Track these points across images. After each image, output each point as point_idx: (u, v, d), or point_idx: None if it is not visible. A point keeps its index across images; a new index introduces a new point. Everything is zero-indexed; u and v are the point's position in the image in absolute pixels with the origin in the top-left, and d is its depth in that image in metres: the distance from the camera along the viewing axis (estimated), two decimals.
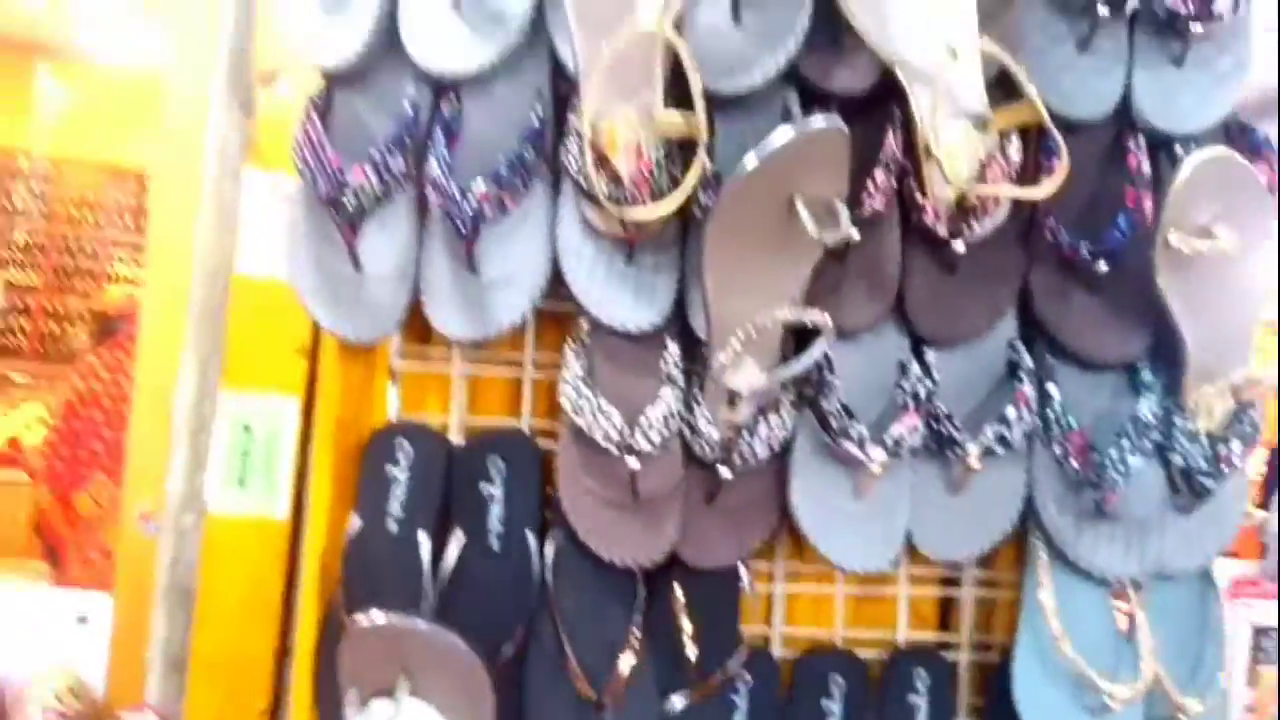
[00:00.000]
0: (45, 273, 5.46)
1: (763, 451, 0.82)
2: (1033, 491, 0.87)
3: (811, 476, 0.84)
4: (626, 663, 0.81)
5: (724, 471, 0.81)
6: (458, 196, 0.77)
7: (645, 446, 0.79)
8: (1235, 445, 0.83)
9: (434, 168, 0.77)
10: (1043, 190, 0.76)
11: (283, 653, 1.15)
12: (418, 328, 0.87)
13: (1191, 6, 0.80)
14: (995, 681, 0.90)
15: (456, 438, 0.88)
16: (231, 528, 1.12)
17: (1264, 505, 5.03)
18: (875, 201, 0.80)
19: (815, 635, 0.93)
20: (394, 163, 0.77)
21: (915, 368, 0.84)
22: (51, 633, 1.12)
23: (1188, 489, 0.84)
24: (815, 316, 0.76)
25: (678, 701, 0.84)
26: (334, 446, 0.89)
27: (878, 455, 0.81)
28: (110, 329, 2.55)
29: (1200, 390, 0.82)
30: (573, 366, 0.81)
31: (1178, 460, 0.84)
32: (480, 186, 0.77)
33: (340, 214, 0.77)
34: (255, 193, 1.04)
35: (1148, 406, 0.83)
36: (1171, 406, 0.84)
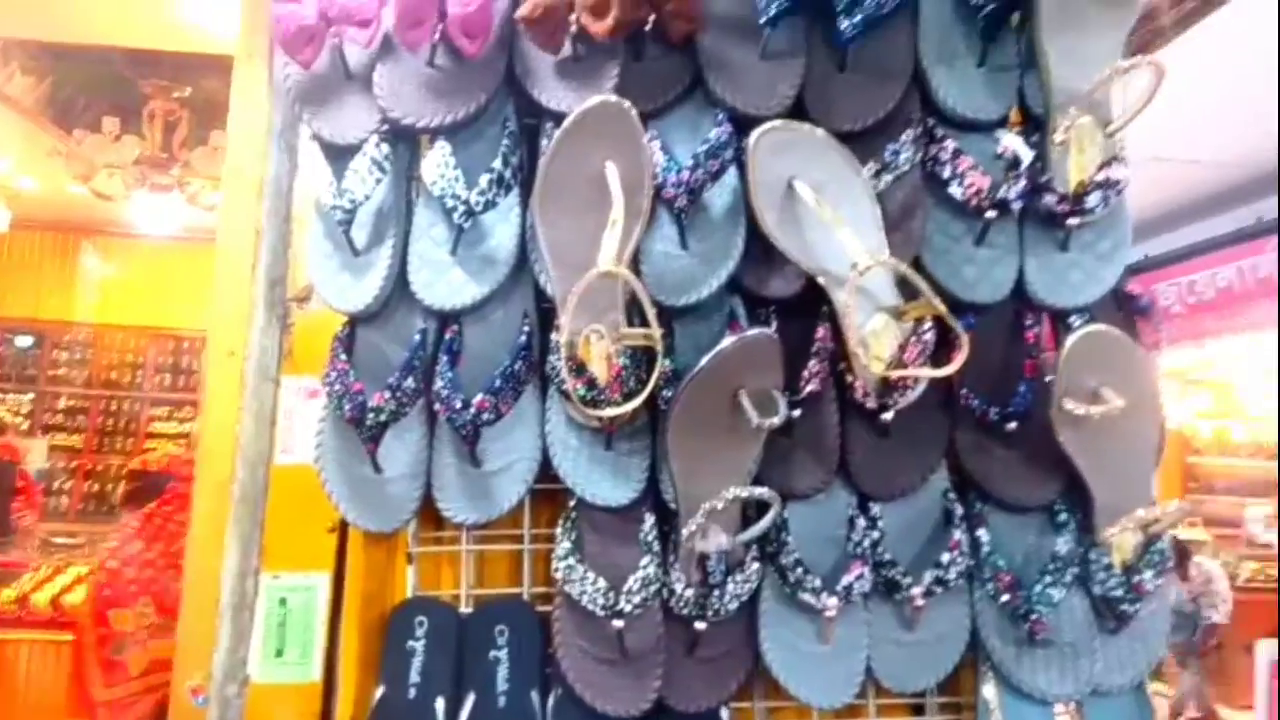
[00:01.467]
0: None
1: (733, 604, 0.94)
2: (976, 624, 0.98)
3: (778, 625, 0.96)
4: None
5: (700, 625, 0.93)
6: (459, 408, 0.91)
7: (629, 608, 0.91)
8: (1148, 574, 0.95)
9: (441, 386, 0.92)
10: (949, 369, 0.89)
11: None
12: (431, 515, 1.00)
13: (1068, 205, 0.95)
14: None
15: (466, 609, 1.00)
16: (271, 694, 1.24)
17: None
18: (813, 384, 0.94)
19: None
20: (406, 385, 0.92)
21: (862, 521, 0.97)
22: None
23: (1110, 615, 0.96)
24: (764, 493, 0.89)
25: None
26: (359, 621, 1.01)
27: (832, 602, 0.93)
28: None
29: (1110, 528, 0.94)
30: (563, 542, 0.95)
31: (1097, 589, 0.95)
32: (479, 398, 0.92)
33: (363, 431, 0.92)
34: (289, 394, 1.19)
35: (1065, 544, 0.95)
36: (1088, 543, 0.96)
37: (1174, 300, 5.40)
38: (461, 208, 0.94)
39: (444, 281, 0.95)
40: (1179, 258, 5.41)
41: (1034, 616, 0.93)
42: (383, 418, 0.93)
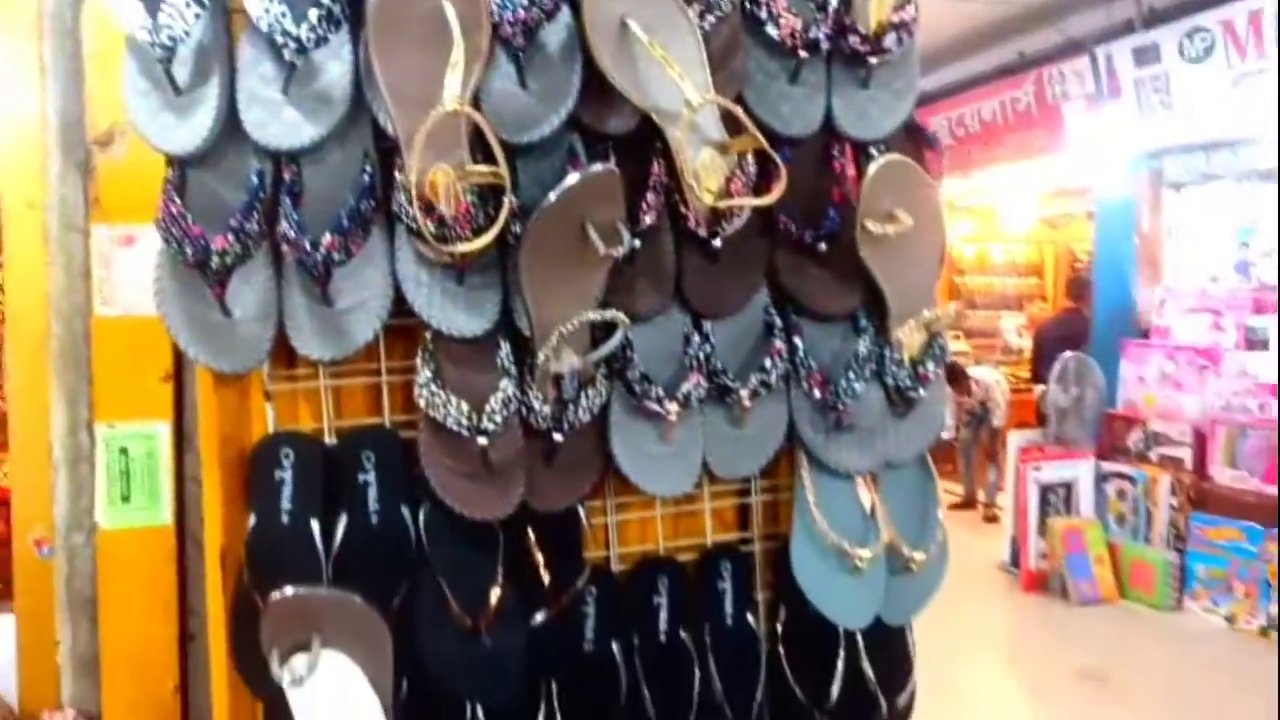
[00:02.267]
0: None
1: (585, 416, 1.04)
2: (793, 417, 1.14)
3: (625, 431, 1.08)
4: (495, 595, 1.03)
5: (557, 436, 1.03)
6: (309, 249, 0.93)
7: (491, 427, 0.99)
8: (930, 365, 1.13)
9: (287, 227, 0.93)
10: (770, 198, 1.00)
11: (184, 639, 1.30)
12: (284, 353, 1.02)
13: (869, 45, 1.05)
14: (782, 562, 1.18)
15: (330, 440, 1.05)
16: (123, 539, 1.25)
17: (1036, 379, 5.84)
18: (650, 216, 1.02)
19: (644, 550, 1.18)
20: (249, 227, 0.92)
21: (696, 338, 1.08)
22: None
23: (900, 401, 1.13)
24: (612, 315, 0.98)
25: (539, 618, 1.07)
26: (219, 459, 1.04)
27: (673, 408, 1.04)
28: None
29: (900, 329, 1.11)
30: (423, 371, 1.00)
31: (890, 381, 1.12)
32: (327, 237, 0.93)
33: (208, 276, 0.92)
34: (102, 243, 1.14)
35: (865, 345, 1.11)
36: (882, 343, 1.12)
37: (944, 132, 5.83)
38: (292, 44, 0.92)
39: (278, 121, 0.94)
40: (948, 93, 5.81)
41: (840, 407, 1.09)
42: (228, 261, 0.93)
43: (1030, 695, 3.70)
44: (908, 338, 1.12)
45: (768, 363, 1.08)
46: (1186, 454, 4.53)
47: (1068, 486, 4.85)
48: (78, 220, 1.13)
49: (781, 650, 1.19)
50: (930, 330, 1.13)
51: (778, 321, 1.11)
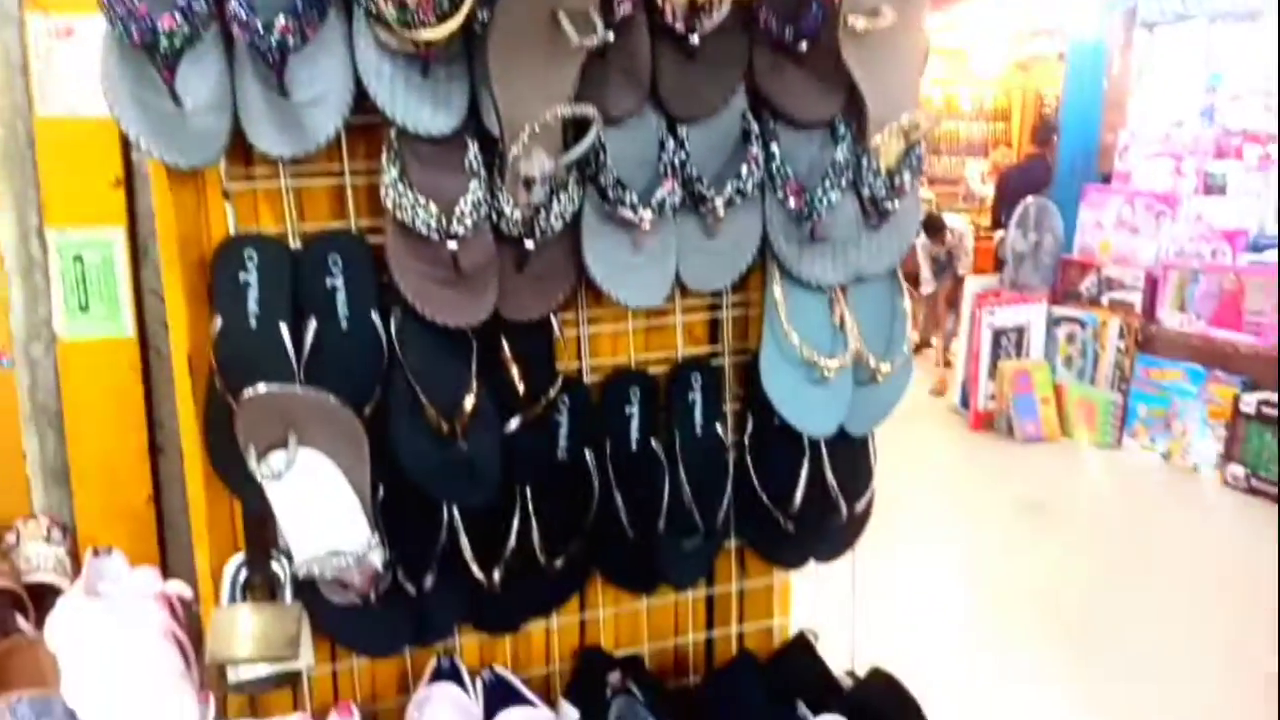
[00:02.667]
0: None
1: (557, 224, 1.02)
2: (767, 229, 1.12)
3: (598, 239, 1.06)
4: (469, 401, 1.03)
5: (528, 243, 1.01)
6: (261, 31, 0.87)
7: (460, 231, 0.96)
8: (906, 175, 1.11)
9: (236, 6, 0.86)
10: None
11: (154, 450, 1.30)
12: (243, 152, 0.98)
13: None
14: (751, 373, 1.20)
15: (295, 243, 1.02)
16: (84, 350, 1.23)
17: (997, 224, 5.87)
18: (625, 7, 0.96)
19: (616, 363, 1.19)
20: (197, 6, 0.86)
21: (671, 143, 1.05)
22: None
23: (875, 212, 1.13)
24: (585, 109, 0.94)
25: (514, 424, 1.08)
26: (180, 262, 1.00)
27: (647, 215, 1.02)
28: None
29: (879, 135, 1.08)
30: (389, 171, 0.96)
31: (865, 191, 1.11)
32: (281, 20, 0.87)
33: (156, 59, 0.86)
34: (39, 36, 1.06)
35: (842, 153, 1.09)
36: (860, 150, 1.10)
37: None
38: None
39: None
40: None
41: (815, 217, 1.08)
42: (177, 42, 0.87)
43: (972, 523, 3.90)
44: (885, 145, 1.09)
45: (743, 170, 1.06)
46: (1137, 299, 4.64)
47: (1020, 331, 4.97)
48: (10, 9, 1.05)
49: (748, 459, 1.22)
50: (908, 139, 1.11)
51: (755, 128, 1.08)
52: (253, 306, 0.99)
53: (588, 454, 1.15)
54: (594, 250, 1.05)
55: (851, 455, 1.25)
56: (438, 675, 1.15)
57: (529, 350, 1.09)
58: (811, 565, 1.29)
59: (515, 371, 1.07)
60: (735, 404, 1.24)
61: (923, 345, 6.19)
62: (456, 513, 1.08)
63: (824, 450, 1.21)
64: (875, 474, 1.27)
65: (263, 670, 1.05)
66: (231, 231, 1.01)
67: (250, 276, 0.99)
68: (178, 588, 1.08)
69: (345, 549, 0.96)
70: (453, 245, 0.97)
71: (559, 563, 1.13)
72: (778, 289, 1.14)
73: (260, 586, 1.07)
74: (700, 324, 1.23)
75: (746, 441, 1.22)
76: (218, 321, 0.99)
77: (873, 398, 1.21)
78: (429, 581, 1.08)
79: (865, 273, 1.16)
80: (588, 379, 1.17)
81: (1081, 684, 2.70)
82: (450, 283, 1.00)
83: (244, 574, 1.06)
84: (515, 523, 1.10)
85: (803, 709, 1.14)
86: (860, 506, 1.26)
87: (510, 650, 1.23)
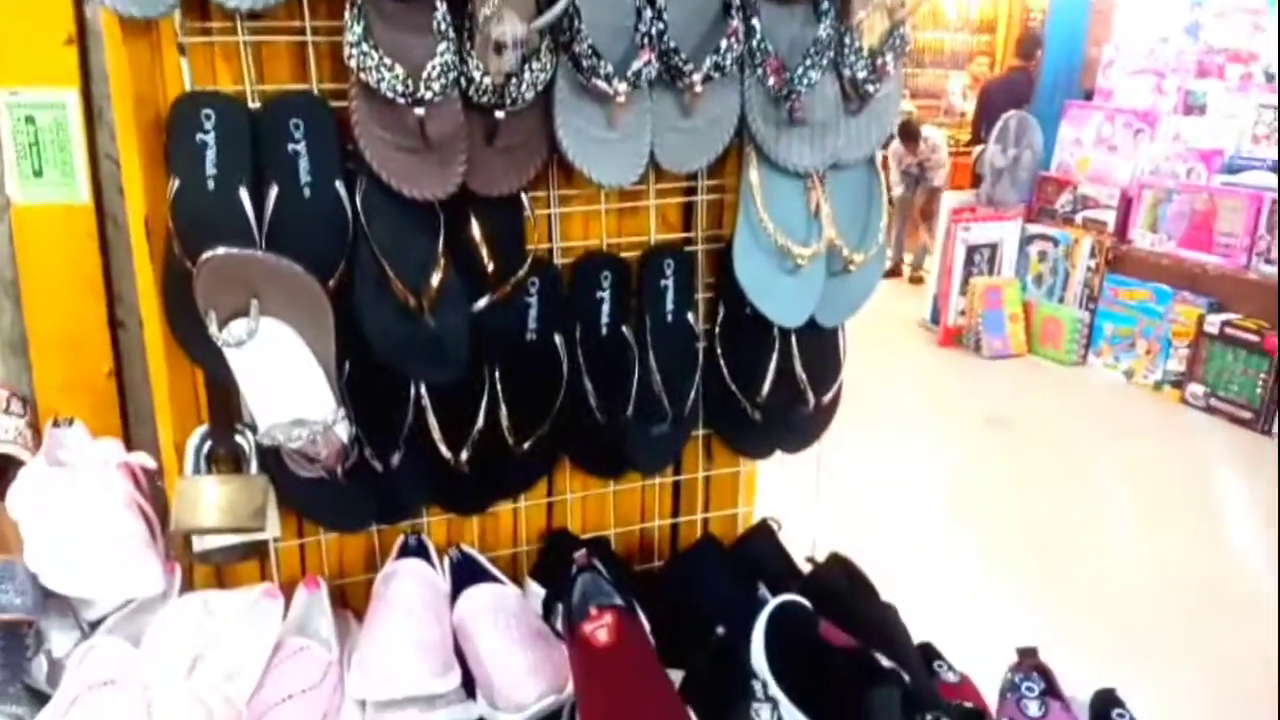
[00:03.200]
0: None
1: (529, 93, 0.98)
2: (745, 110, 1.09)
3: (571, 113, 1.02)
4: (437, 277, 1.01)
5: (499, 113, 0.98)
6: None
7: (428, 95, 0.93)
8: (889, 57, 1.08)
9: None
10: None
11: (114, 325, 1.27)
12: (200, 4, 0.93)
13: None
14: (724, 261, 1.18)
15: (254, 103, 0.98)
16: (39, 216, 1.18)
17: (976, 140, 5.83)
18: None
19: (587, 245, 1.17)
20: None
21: (649, 12, 1.01)
22: None
23: (855, 95, 1.10)
24: None
25: (482, 303, 1.06)
26: (135, 121, 0.96)
27: (622, 88, 0.99)
28: None
29: (863, 12, 1.05)
30: (353, 29, 0.92)
31: (847, 72, 1.08)
32: None
33: None
34: None
35: (825, 30, 1.05)
36: (843, 29, 1.07)
37: None
38: None
39: None
40: None
41: (794, 97, 1.05)
42: None
43: (938, 434, 3.97)
44: (869, 23, 1.06)
45: (723, 44, 1.02)
46: (1111, 217, 4.66)
47: (993, 247, 4.99)
48: None
49: (718, 348, 1.22)
50: (893, 18, 1.07)
51: (736, 0, 1.04)
52: (210, 168, 0.96)
53: (557, 338, 1.14)
54: (566, 124, 1.02)
55: (820, 346, 1.25)
56: (404, 552, 1.16)
57: (498, 228, 1.06)
58: (778, 456, 1.31)
59: (484, 250, 1.05)
60: (707, 292, 1.23)
61: (893, 271, 6.17)
62: (424, 391, 1.07)
63: (793, 341, 1.21)
64: (843, 366, 1.27)
65: (228, 541, 1.05)
66: (188, 88, 0.96)
67: (208, 137, 0.95)
68: (141, 459, 1.07)
69: (310, 419, 0.94)
70: (419, 111, 0.93)
71: (527, 445, 1.13)
72: (754, 173, 1.12)
73: (225, 459, 1.06)
74: (674, 209, 1.21)
75: (717, 330, 1.22)
76: (174, 183, 0.95)
77: (845, 288, 1.20)
78: (396, 459, 1.07)
79: (843, 159, 1.14)
80: (559, 261, 1.15)
81: (1035, 580, 2.80)
82: (417, 151, 0.97)
83: (208, 445, 1.05)
84: (483, 403, 1.09)
85: (763, 590, 1.17)
86: (827, 398, 1.26)
87: (478, 531, 1.24)
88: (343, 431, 0.98)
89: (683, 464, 1.31)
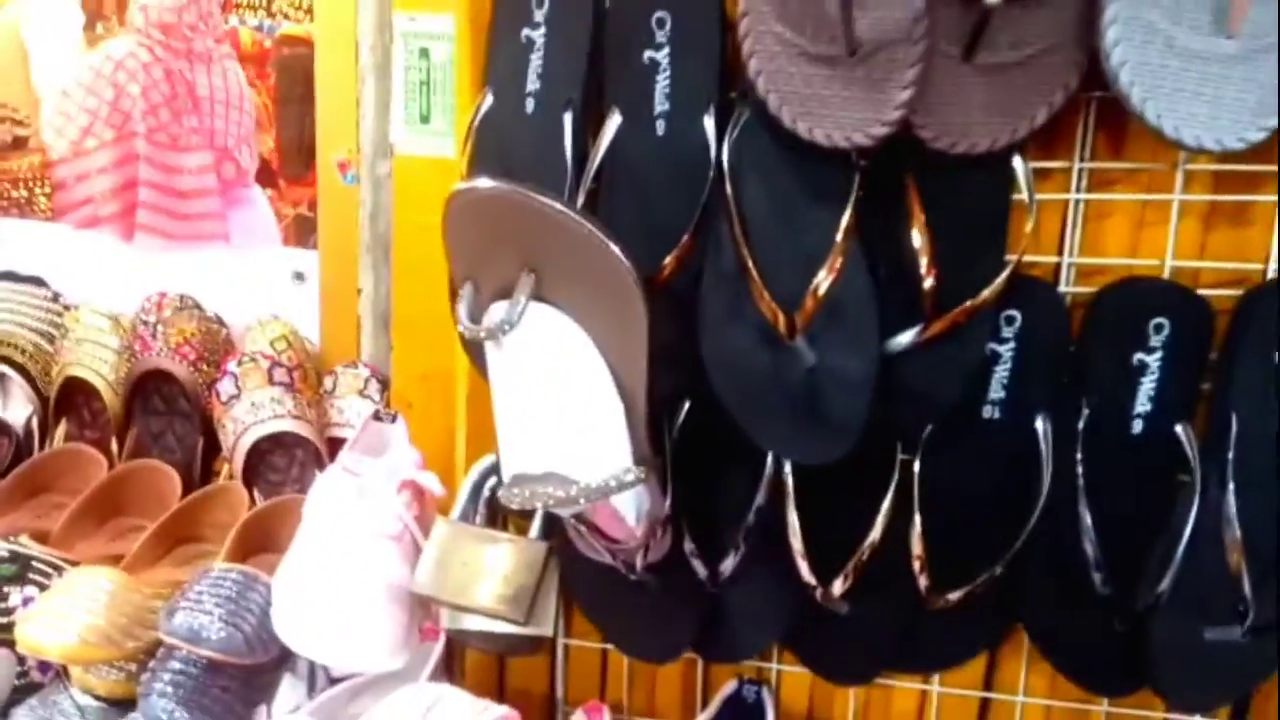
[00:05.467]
0: None
1: None
2: None
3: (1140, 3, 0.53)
4: (827, 282, 0.58)
5: None
6: None
7: None
8: None
9: None
10: None
11: None
12: None
13: None
14: None
15: None
16: (419, 170, 1.01)
17: None
18: None
19: (1130, 267, 0.64)
20: None
21: None
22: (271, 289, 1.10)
23: None
24: None
25: (906, 339, 0.61)
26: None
27: None
28: None
29: None
30: None
31: None
32: None
33: None
34: None
35: None
36: None
37: None
38: None
39: None
40: None
41: None
42: None
43: None
44: None
45: None
46: None
47: None
48: None
49: None
50: None
51: None
52: (532, 81, 0.65)
53: (1040, 422, 0.64)
54: (1123, 27, 0.53)
55: None
56: (735, 706, 0.75)
57: (957, 210, 0.61)
58: None
59: (924, 246, 0.60)
60: None
61: None
62: (789, 469, 0.65)
63: None
64: None
65: (483, 625, 0.73)
66: None
67: (536, 33, 0.65)
68: (429, 481, 0.81)
69: (578, 476, 0.58)
70: None
71: (954, 596, 0.64)
72: None
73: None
74: None
75: None
76: (486, 100, 0.66)
77: None
78: (730, 565, 0.67)
79: None
80: (1068, 288, 0.65)
81: None
82: (835, 62, 0.57)
83: (491, 482, 0.75)
84: (884, 508, 0.64)
85: None
86: None
87: (853, 707, 0.77)
88: (634, 506, 0.61)
89: (1254, 708, 0.70)
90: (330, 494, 0.77)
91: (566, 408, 0.59)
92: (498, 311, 0.58)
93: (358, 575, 0.73)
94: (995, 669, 0.74)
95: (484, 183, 0.56)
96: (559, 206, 0.55)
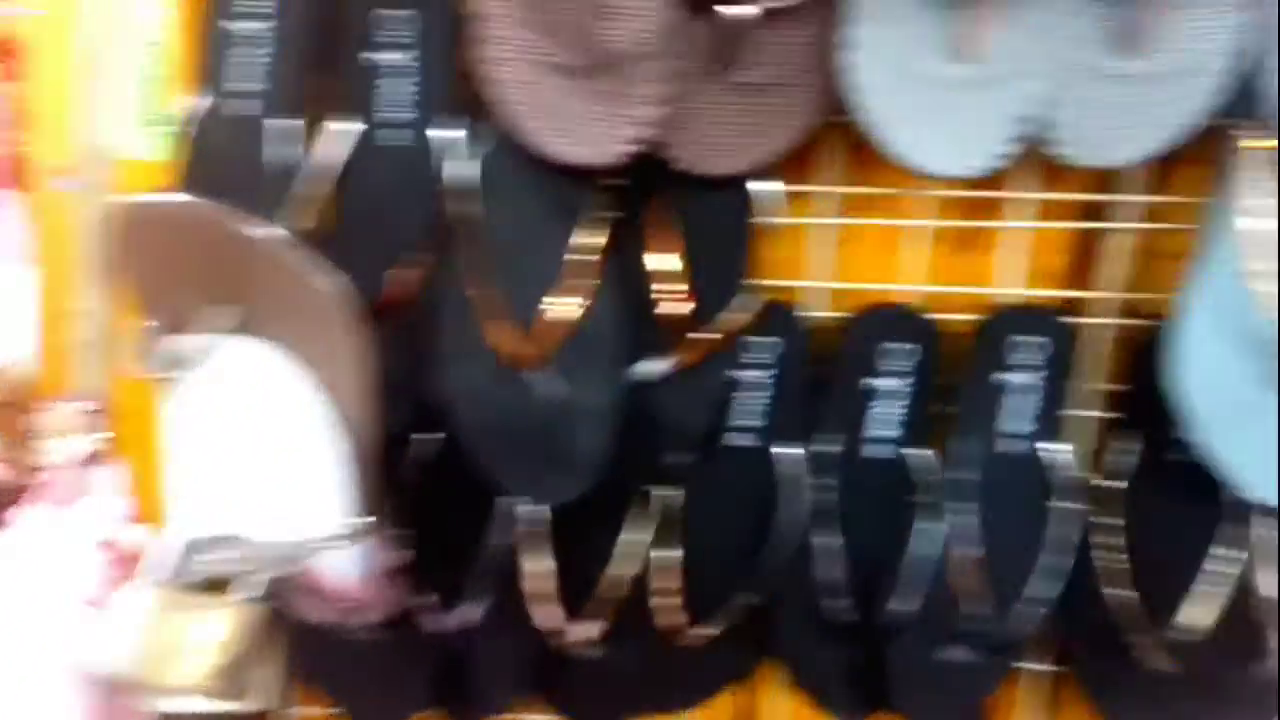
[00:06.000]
0: None
1: None
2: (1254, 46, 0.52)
3: (882, 25, 0.52)
4: (559, 309, 0.54)
5: (749, 7, 0.50)
6: None
7: None
8: None
9: None
10: None
11: None
12: None
13: None
14: (1149, 354, 0.60)
15: None
16: (146, 176, 0.89)
17: None
18: None
19: (878, 294, 0.64)
20: None
21: None
22: None
23: None
24: None
25: (652, 368, 0.57)
26: None
27: None
28: None
29: None
30: None
31: None
32: None
33: None
34: None
35: None
36: None
37: None
38: None
39: None
40: None
41: None
42: None
43: None
44: None
45: None
46: None
47: None
48: None
49: (1110, 520, 0.63)
50: None
51: None
52: (239, 80, 0.57)
53: (783, 449, 0.62)
54: (869, 45, 0.52)
55: None
56: None
57: (701, 238, 0.58)
58: None
59: (664, 268, 0.57)
60: (1107, 409, 0.64)
61: None
62: (530, 509, 0.61)
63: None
64: None
65: (196, 706, 0.64)
66: None
67: (245, 25, 0.57)
68: (135, 537, 0.70)
69: (290, 533, 0.51)
70: None
71: (704, 631, 0.62)
72: (1251, 189, 0.54)
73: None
74: (1058, 244, 0.64)
75: (1114, 483, 0.63)
76: (192, 99, 0.58)
77: None
78: (463, 614, 0.62)
79: None
80: (810, 312, 0.64)
81: None
82: (579, 74, 0.52)
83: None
84: (626, 544, 0.61)
85: None
86: None
87: None
88: (349, 563, 0.54)
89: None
90: (12, 555, 0.67)
91: (272, 454, 0.52)
92: (184, 345, 0.50)
93: (42, 655, 0.63)
94: (751, 703, 0.72)
95: (163, 198, 0.48)
96: (250, 227, 0.48)
